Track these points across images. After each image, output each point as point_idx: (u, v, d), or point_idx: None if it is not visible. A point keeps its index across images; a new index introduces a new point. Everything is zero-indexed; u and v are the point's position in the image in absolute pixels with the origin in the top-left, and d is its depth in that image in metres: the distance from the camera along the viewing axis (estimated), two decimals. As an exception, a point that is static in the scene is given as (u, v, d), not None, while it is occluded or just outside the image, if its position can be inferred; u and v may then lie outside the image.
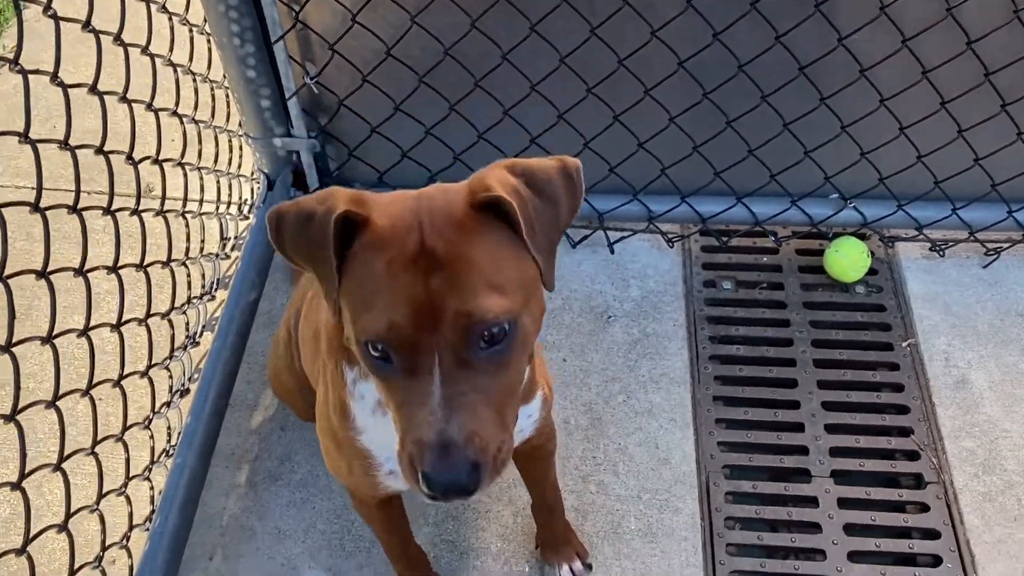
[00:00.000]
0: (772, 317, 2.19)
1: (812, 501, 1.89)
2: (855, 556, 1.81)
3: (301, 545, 1.81)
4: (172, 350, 1.81)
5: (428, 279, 0.95)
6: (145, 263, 1.64)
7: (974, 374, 2.06)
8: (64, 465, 1.40)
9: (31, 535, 1.30)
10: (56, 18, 1.31)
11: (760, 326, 2.17)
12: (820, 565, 1.80)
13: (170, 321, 1.78)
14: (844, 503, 1.88)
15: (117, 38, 1.53)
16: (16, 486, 1.25)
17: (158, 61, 1.72)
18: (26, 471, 1.27)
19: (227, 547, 1.81)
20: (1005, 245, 2.25)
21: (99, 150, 1.47)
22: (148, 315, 1.66)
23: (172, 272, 1.79)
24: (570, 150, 2.10)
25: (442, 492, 0.95)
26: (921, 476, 1.91)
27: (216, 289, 2.10)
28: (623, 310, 2.20)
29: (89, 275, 1.43)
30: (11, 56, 1.20)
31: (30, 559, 1.29)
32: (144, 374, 1.68)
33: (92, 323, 1.46)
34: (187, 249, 1.91)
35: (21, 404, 1.23)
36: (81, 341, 1.45)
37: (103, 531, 1.54)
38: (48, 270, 1.31)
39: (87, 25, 1.42)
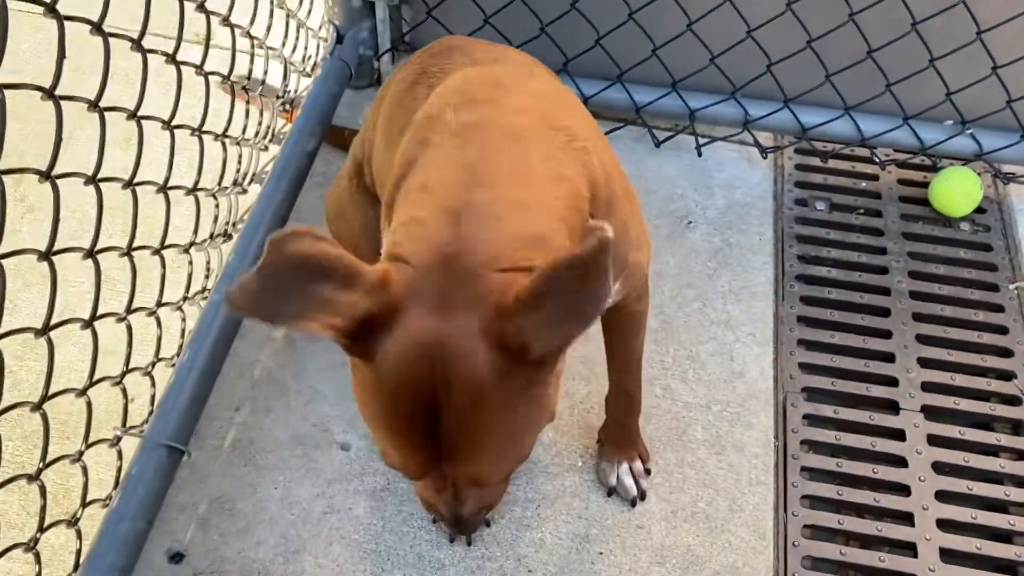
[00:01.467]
0: (867, 243, 2.00)
1: (899, 435, 1.70)
2: (943, 496, 1.62)
3: (337, 409, 1.66)
4: (220, 181, 1.64)
5: (435, 432, 0.87)
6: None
7: (1087, 325, 1.86)
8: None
9: (51, 323, 1.16)
10: None
11: (854, 251, 1.98)
12: (904, 500, 1.61)
13: (223, 143, 1.61)
14: (934, 440, 1.69)
15: None
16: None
17: None
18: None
19: (256, 400, 1.66)
20: None
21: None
22: (202, 127, 1.50)
23: (232, 97, 1.62)
24: (670, 30, 1.92)
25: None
26: (1021, 423, 1.72)
27: (270, 142, 1.94)
28: (705, 217, 2.02)
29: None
30: None
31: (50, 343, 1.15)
32: (191, 190, 1.52)
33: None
34: (243, 86, 1.73)
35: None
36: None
37: (130, 344, 1.39)
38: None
39: None
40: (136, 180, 1.34)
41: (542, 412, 0.92)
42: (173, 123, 1.44)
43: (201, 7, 1.46)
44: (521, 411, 0.89)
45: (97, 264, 1.26)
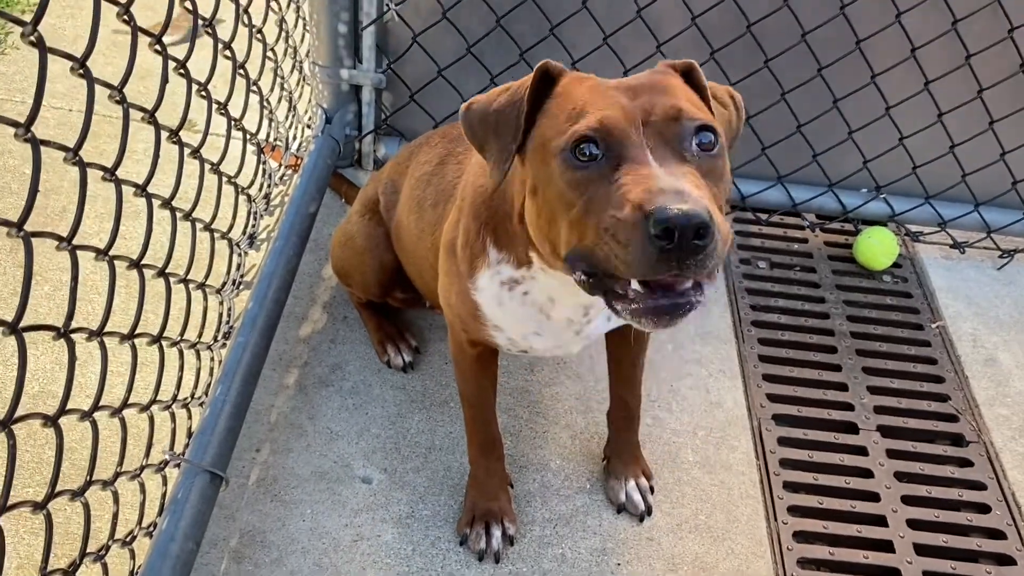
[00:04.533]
0: (807, 294, 2.25)
1: (862, 451, 1.90)
2: (908, 500, 1.81)
3: (355, 446, 1.72)
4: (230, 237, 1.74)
5: (636, 97, 1.01)
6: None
7: (1001, 354, 2.14)
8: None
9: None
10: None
11: (797, 300, 2.23)
12: (876, 505, 1.79)
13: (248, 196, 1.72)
14: (892, 454, 1.90)
15: None
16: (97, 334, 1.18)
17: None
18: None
19: (276, 442, 1.70)
20: (1021, 246, 2.39)
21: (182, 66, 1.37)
22: (221, 180, 1.61)
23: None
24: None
25: (680, 223, 0.85)
26: (962, 436, 1.95)
27: (267, 209, 2.06)
28: (665, 275, 2.23)
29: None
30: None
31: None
32: (209, 225, 1.62)
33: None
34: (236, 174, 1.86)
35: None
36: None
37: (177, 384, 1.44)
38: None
39: None
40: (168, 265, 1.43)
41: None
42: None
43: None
44: (697, 100, 1.07)
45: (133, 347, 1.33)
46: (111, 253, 1.13)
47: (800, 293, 2.26)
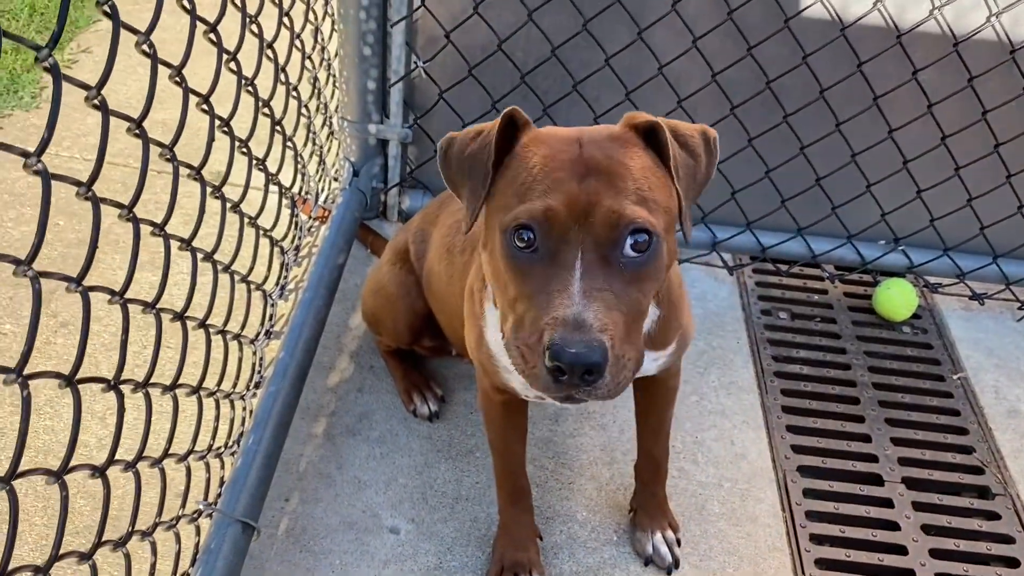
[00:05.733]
0: (829, 345, 2.26)
1: (887, 503, 1.89)
2: (936, 553, 1.80)
3: (382, 496, 1.73)
4: (265, 290, 1.78)
5: (583, 179, 1.05)
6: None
7: (1024, 406, 2.15)
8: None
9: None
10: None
11: (819, 351, 2.24)
12: (903, 559, 1.78)
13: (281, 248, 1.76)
14: (919, 506, 1.89)
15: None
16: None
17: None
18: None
19: (304, 491, 1.72)
20: (1040, 299, 2.40)
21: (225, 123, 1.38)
22: (255, 239, 1.65)
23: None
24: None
25: (568, 363, 0.96)
26: (988, 489, 1.94)
27: (296, 260, 2.09)
28: (687, 325, 2.25)
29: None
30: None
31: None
32: (246, 277, 1.65)
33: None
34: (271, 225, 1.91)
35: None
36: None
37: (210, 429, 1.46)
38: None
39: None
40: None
41: (670, 196, 1.10)
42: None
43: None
44: (651, 177, 1.08)
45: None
46: (159, 306, 1.16)
47: (821, 344, 2.27)
